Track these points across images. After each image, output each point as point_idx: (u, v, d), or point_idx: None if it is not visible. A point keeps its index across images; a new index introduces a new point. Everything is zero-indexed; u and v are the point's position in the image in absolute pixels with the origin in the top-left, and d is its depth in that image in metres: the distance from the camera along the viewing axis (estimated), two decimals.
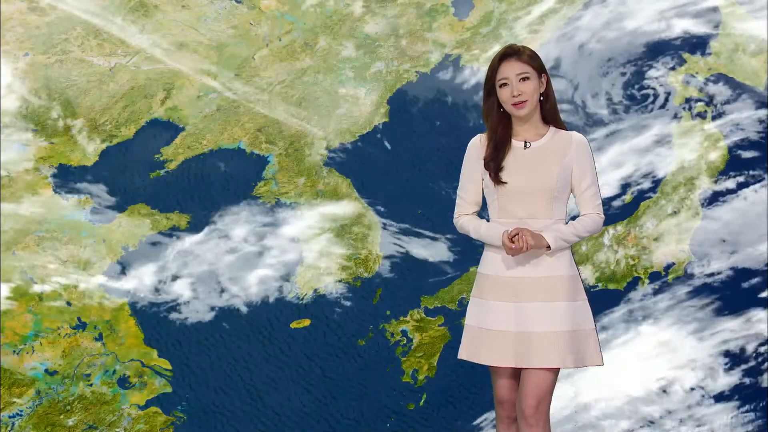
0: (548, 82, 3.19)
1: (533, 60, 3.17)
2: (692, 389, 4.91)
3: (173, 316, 4.71)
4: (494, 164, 3.17)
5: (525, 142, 3.19)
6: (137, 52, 4.77)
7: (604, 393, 4.85)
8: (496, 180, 3.15)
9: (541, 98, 3.19)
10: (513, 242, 3.05)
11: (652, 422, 4.83)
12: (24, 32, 4.65)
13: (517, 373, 3.16)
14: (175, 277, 4.74)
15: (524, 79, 3.14)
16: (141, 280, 4.69)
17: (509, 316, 3.12)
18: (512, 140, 3.20)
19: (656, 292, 5.00)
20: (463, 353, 3.25)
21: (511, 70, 3.15)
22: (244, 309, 4.76)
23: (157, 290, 4.71)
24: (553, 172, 3.13)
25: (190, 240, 4.77)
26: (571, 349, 3.07)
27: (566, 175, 3.14)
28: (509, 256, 3.12)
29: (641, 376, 4.89)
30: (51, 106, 4.67)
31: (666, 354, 4.93)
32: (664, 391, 4.89)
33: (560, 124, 3.24)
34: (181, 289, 4.74)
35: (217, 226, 4.80)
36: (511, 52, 3.18)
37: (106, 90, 4.73)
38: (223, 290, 4.76)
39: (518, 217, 3.15)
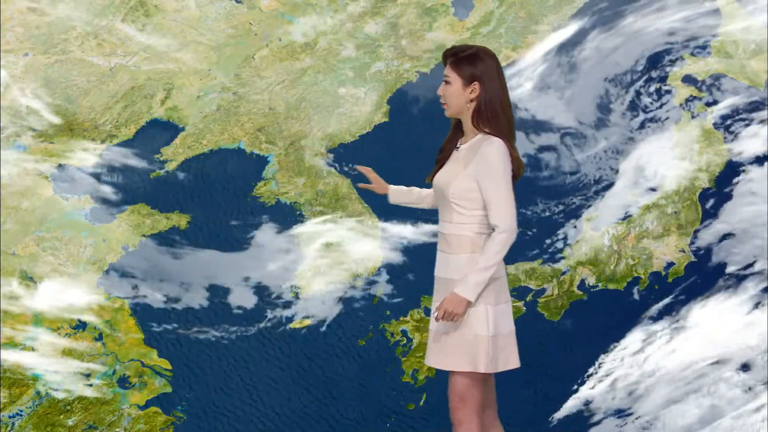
0: (481, 91, 3.13)
1: (459, 66, 3.15)
2: None
3: (173, 316, 4.71)
4: (437, 161, 3.29)
5: (457, 145, 3.23)
6: (137, 52, 4.77)
7: None
8: (430, 176, 3.29)
9: (470, 104, 3.17)
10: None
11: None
12: (24, 32, 4.65)
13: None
14: (175, 278, 4.74)
15: (446, 82, 3.19)
16: (141, 281, 4.69)
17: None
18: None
19: None
20: None
21: (444, 70, 3.22)
22: (244, 309, 4.77)
23: (156, 291, 4.71)
24: (449, 178, 3.15)
25: (189, 241, 4.77)
26: (453, 351, 3.12)
27: (467, 182, 3.11)
28: (437, 256, 3.23)
29: None
30: (51, 106, 4.67)
31: None
32: None
33: (496, 132, 3.14)
34: (181, 289, 4.74)
35: (217, 227, 4.81)
36: (444, 53, 3.23)
37: (106, 90, 4.74)
38: (223, 290, 4.76)
39: (439, 218, 3.26)
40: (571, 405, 4.89)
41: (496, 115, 3.13)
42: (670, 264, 5.08)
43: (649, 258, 5.07)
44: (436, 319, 3.11)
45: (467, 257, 3.12)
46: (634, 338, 5.02)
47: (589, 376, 4.93)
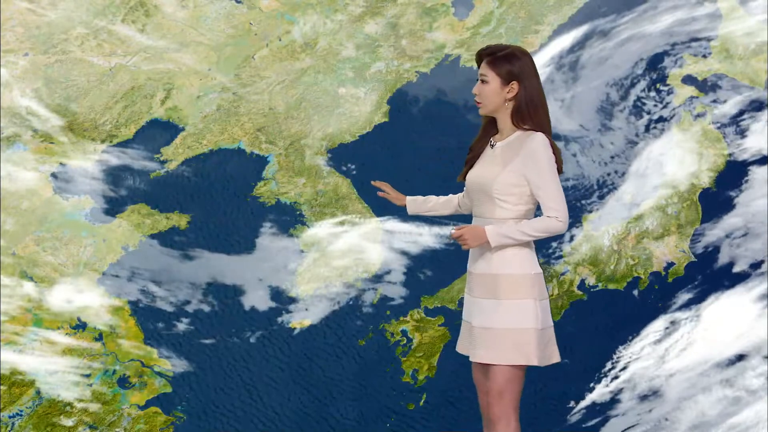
0: (520, 89, 3.16)
1: (497, 65, 3.17)
2: None
3: (173, 316, 4.71)
4: (468, 161, 3.31)
5: (492, 142, 3.24)
6: (137, 52, 4.78)
7: None
8: (462, 176, 3.31)
9: (507, 103, 3.19)
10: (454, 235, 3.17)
11: None
12: (24, 32, 4.65)
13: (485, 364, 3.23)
14: (175, 278, 4.74)
15: (483, 81, 3.20)
16: (141, 281, 4.69)
17: (468, 309, 3.26)
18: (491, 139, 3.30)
19: None
20: None
21: (479, 69, 3.24)
22: (244, 309, 4.77)
23: (156, 290, 4.71)
24: (493, 174, 3.16)
25: (190, 241, 4.77)
26: (504, 346, 3.12)
27: (513, 177, 3.14)
28: (471, 251, 3.26)
29: None
30: (51, 106, 4.67)
31: None
32: None
33: (537, 128, 3.18)
34: (181, 289, 4.74)
35: (217, 227, 4.81)
36: (480, 53, 3.25)
37: (106, 90, 4.74)
38: (223, 290, 4.76)
39: (474, 215, 3.28)
40: (574, 404, 4.89)
41: (537, 112, 3.18)
42: (670, 264, 5.08)
43: (649, 258, 5.07)
44: (452, 235, 3.15)
45: (513, 252, 3.15)
46: (642, 336, 5.02)
47: (595, 375, 4.93)
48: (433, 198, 3.54)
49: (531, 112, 3.17)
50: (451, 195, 3.53)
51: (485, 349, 3.15)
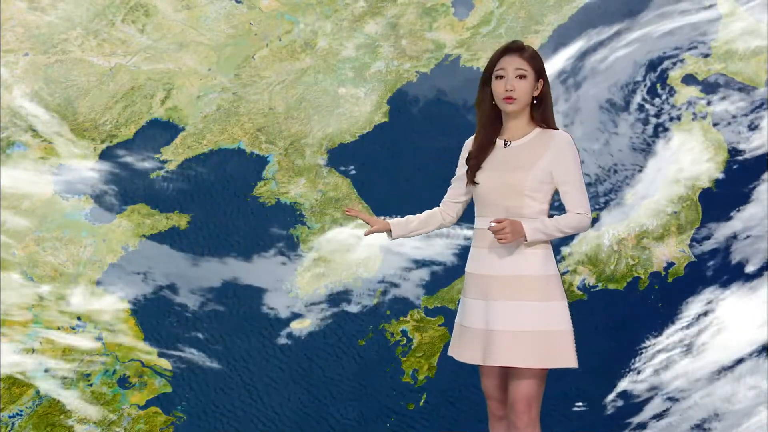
0: (544, 87, 3.16)
1: (534, 60, 3.15)
2: None
3: (174, 316, 4.71)
4: (474, 164, 3.22)
5: (505, 141, 3.19)
6: (137, 52, 4.78)
7: None
8: (471, 179, 3.20)
9: (534, 101, 3.17)
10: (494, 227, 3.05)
11: None
12: (24, 32, 4.65)
13: (503, 372, 3.17)
14: (175, 278, 4.74)
15: (521, 76, 3.13)
16: (140, 281, 4.69)
17: (481, 314, 3.16)
18: (497, 139, 3.21)
19: None
20: (450, 350, 3.30)
21: (511, 64, 3.15)
22: (244, 309, 4.77)
23: (156, 291, 4.71)
24: (524, 172, 3.12)
25: (190, 240, 4.78)
26: (535, 348, 3.06)
27: (542, 174, 3.10)
28: (483, 254, 3.17)
29: None
30: (51, 106, 4.67)
31: None
32: None
33: (551, 127, 3.18)
34: (181, 290, 4.74)
35: (217, 227, 4.81)
36: (515, 47, 3.18)
37: (106, 90, 4.74)
38: (223, 291, 4.76)
39: (492, 216, 3.16)
40: (576, 405, 4.89)
41: (552, 110, 3.20)
42: (670, 264, 5.08)
43: (649, 258, 5.07)
44: (491, 228, 3.03)
45: (536, 252, 3.11)
46: (659, 330, 5.01)
47: (596, 375, 4.93)
48: (414, 218, 3.41)
49: (551, 111, 3.19)
50: (428, 211, 3.41)
51: (514, 352, 3.05)
